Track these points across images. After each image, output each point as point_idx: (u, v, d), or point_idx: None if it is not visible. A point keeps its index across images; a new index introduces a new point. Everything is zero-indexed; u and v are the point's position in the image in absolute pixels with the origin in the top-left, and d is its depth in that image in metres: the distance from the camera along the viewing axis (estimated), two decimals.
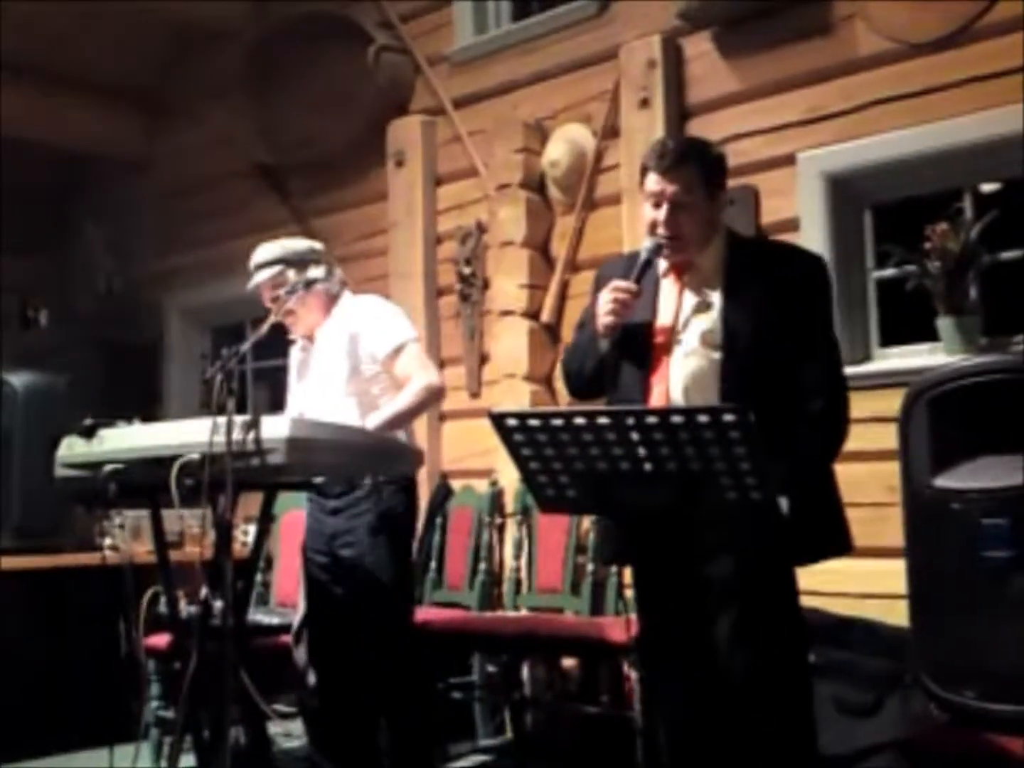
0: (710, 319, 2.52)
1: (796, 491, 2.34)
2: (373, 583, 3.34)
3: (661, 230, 2.53)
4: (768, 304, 2.49)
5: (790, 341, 2.48)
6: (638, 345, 2.55)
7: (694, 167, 2.52)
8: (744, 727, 2.43)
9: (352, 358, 3.41)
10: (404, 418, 3.36)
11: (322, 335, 3.50)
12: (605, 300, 2.49)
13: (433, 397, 3.44)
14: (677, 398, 2.50)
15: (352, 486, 3.33)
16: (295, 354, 3.64)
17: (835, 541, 2.56)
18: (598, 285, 2.63)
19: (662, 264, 2.62)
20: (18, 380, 4.69)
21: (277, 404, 5.71)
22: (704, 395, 2.47)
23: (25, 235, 6.43)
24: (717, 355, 2.49)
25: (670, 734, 2.58)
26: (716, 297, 2.54)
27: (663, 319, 2.57)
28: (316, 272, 3.46)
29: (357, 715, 3.44)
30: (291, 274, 3.44)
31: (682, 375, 2.51)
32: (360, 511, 3.35)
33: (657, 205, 2.53)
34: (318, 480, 3.31)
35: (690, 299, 2.56)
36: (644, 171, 2.57)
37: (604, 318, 2.49)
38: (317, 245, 3.58)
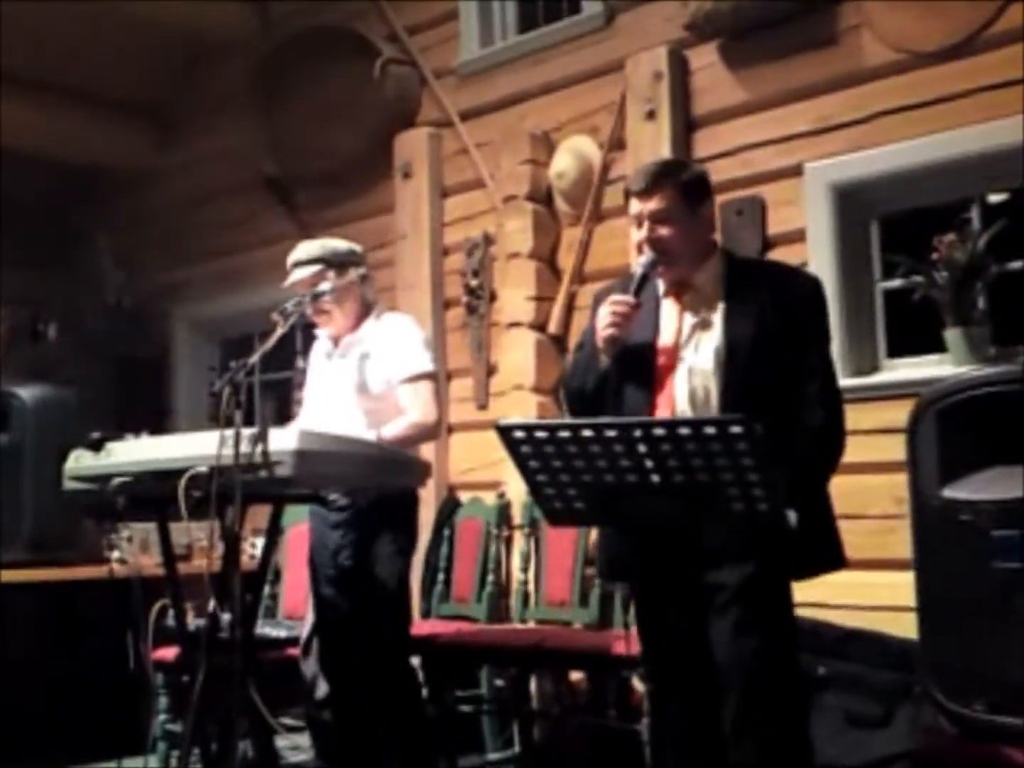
0: (713, 338, 2.54)
1: (797, 505, 2.35)
2: (375, 596, 3.34)
3: (646, 247, 2.57)
4: (767, 322, 2.53)
5: (789, 358, 2.52)
6: (641, 366, 2.58)
7: (669, 184, 2.58)
8: (744, 731, 2.42)
9: (369, 375, 3.42)
10: None
11: (347, 343, 3.51)
12: (604, 314, 2.53)
13: (421, 435, 3.43)
14: (683, 414, 2.51)
15: (353, 499, 3.34)
16: (318, 353, 3.65)
17: (829, 557, 2.57)
18: (595, 307, 2.67)
19: (661, 286, 2.65)
20: (28, 393, 4.69)
21: (285, 416, 5.74)
22: (709, 411, 2.49)
23: (34, 248, 6.45)
24: (720, 373, 2.51)
25: (677, 747, 2.58)
26: (716, 316, 2.57)
27: (664, 339, 2.60)
28: (354, 275, 3.47)
29: (365, 727, 3.44)
30: (332, 274, 3.44)
31: (686, 394, 2.53)
32: (361, 524, 3.35)
33: (640, 225, 2.59)
34: (325, 492, 3.32)
35: (690, 319, 2.60)
36: (627, 197, 2.64)
37: (604, 332, 2.52)
38: (357, 248, 3.57)
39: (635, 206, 2.60)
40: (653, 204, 2.56)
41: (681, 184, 2.60)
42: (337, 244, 3.55)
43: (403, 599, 3.47)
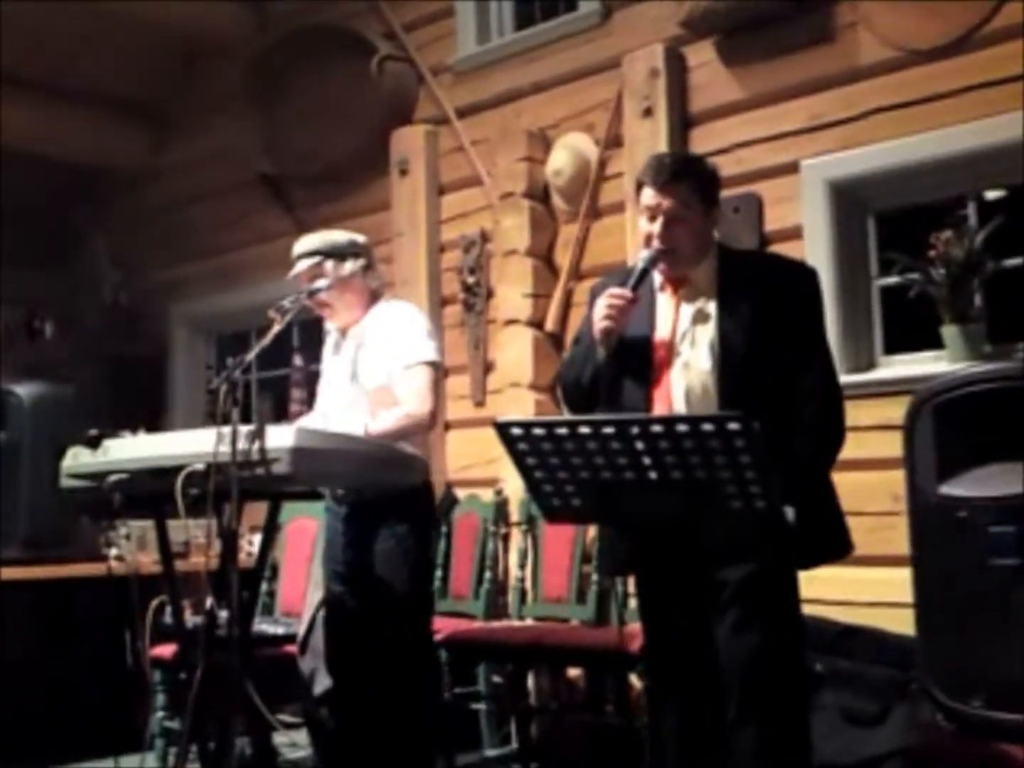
0: (709, 332, 2.54)
1: (797, 497, 2.35)
2: (387, 592, 3.31)
3: (656, 243, 2.57)
4: (762, 314, 2.53)
5: (785, 350, 2.52)
6: (638, 359, 2.58)
7: (690, 183, 2.58)
8: (743, 728, 2.43)
9: (362, 365, 3.40)
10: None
11: (353, 334, 3.49)
12: (601, 307, 2.52)
13: (413, 427, 3.32)
14: (680, 410, 2.51)
15: (361, 494, 3.32)
16: (328, 346, 3.64)
17: (835, 545, 2.57)
18: (592, 300, 2.66)
19: (657, 278, 2.65)
20: (25, 391, 4.69)
21: (282, 413, 5.74)
22: (705, 406, 2.49)
23: (31, 247, 6.45)
24: (716, 368, 2.52)
25: (676, 744, 2.58)
26: (712, 310, 2.57)
27: (661, 333, 2.60)
28: (354, 266, 3.46)
29: (367, 725, 3.43)
30: (329, 266, 3.42)
31: (683, 387, 2.54)
32: (371, 519, 3.33)
33: (652, 218, 2.58)
34: (322, 489, 3.32)
35: (687, 312, 2.60)
36: (640, 186, 2.63)
37: (601, 323, 2.52)
38: (359, 239, 3.55)
39: (650, 198, 2.58)
40: (670, 202, 2.55)
41: (699, 183, 2.60)
42: (337, 236, 3.54)
43: (417, 594, 3.40)
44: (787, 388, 2.50)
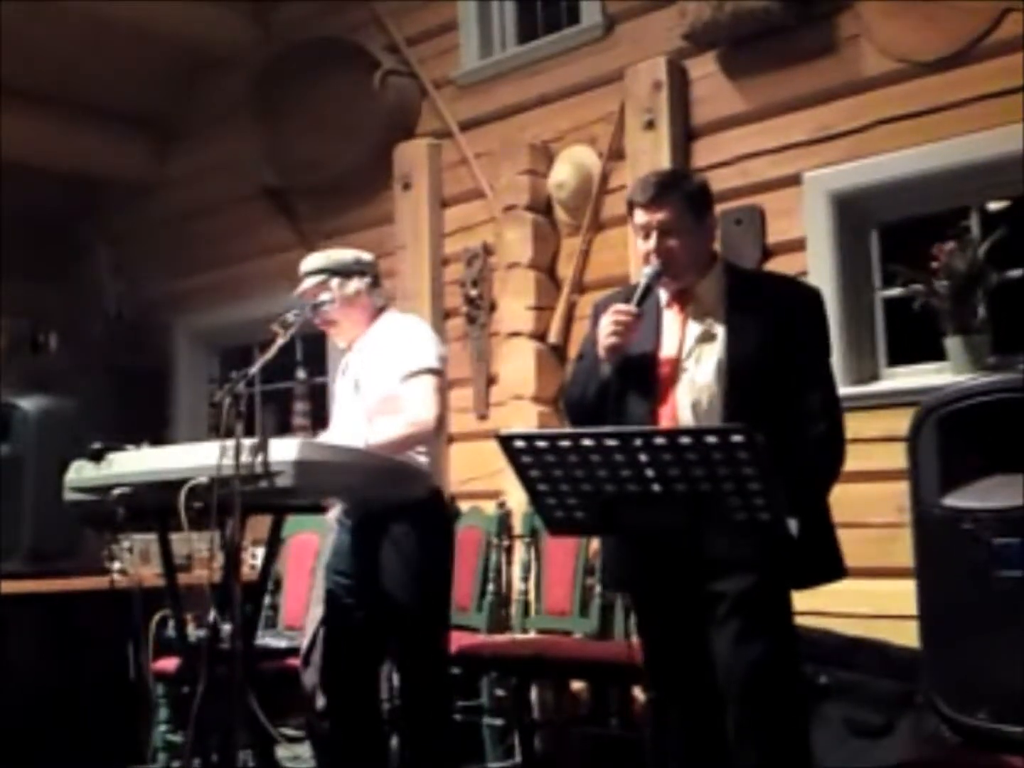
0: (716, 349, 2.54)
1: (798, 513, 2.35)
2: (395, 606, 3.30)
3: (654, 258, 2.58)
4: (769, 333, 2.54)
5: (791, 370, 2.53)
6: (644, 376, 2.59)
7: (677, 194, 2.60)
8: (745, 740, 2.42)
9: (367, 377, 3.41)
10: (382, 451, 3.25)
11: (357, 349, 3.52)
12: (606, 323, 2.53)
13: (419, 434, 3.32)
14: (685, 424, 2.51)
15: (368, 506, 3.32)
16: (342, 364, 3.66)
17: (830, 567, 2.57)
18: (595, 317, 2.67)
19: (663, 295, 2.65)
20: (29, 404, 4.69)
21: (286, 426, 5.75)
22: (710, 422, 2.50)
23: (35, 259, 6.46)
24: (722, 385, 2.52)
25: (678, 756, 2.58)
26: (719, 328, 2.58)
27: (667, 350, 2.60)
28: (359, 284, 3.48)
29: (368, 738, 3.42)
30: (335, 284, 3.45)
31: (688, 404, 2.54)
32: (380, 532, 3.33)
33: (647, 236, 2.60)
34: (326, 503, 3.32)
35: (694, 329, 2.60)
36: (631, 208, 2.64)
37: (606, 341, 2.53)
38: (365, 256, 3.59)
39: (641, 217, 2.60)
40: (661, 215, 2.57)
41: (687, 195, 2.61)
42: (342, 254, 3.57)
43: (428, 608, 3.39)
44: (790, 408, 2.51)
